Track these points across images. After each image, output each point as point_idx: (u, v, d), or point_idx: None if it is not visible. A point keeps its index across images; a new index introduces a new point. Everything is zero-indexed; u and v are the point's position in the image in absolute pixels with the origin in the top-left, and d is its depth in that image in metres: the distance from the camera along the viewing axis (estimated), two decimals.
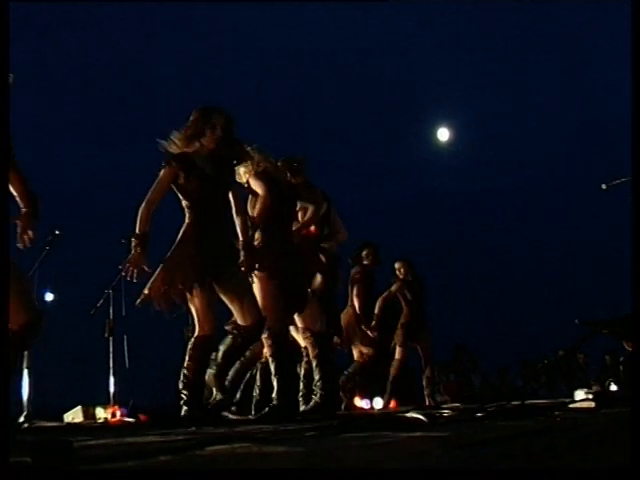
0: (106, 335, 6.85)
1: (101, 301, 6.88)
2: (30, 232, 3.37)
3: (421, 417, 2.84)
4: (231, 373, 4.81)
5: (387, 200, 15.95)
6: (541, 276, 15.53)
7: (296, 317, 4.92)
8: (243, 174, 4.72)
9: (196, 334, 4.13)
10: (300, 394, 4.98)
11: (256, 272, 4.52)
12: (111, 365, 6.81)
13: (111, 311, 6.90)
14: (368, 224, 10.53)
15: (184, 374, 4.08)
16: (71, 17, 15.17)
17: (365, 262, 7.03)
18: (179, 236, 4.10)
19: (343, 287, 6.45)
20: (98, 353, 6.96)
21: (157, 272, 4.00)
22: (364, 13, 16.60)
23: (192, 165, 4.10)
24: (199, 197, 4.10)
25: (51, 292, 8.31)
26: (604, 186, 5.25)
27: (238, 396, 5.13)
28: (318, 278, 5.34)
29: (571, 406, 3.99)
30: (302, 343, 5.02)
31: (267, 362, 4.72)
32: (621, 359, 8.98)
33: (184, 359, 4.13)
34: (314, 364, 4.89)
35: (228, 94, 15.35)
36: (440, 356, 10.55)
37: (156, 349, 8.46)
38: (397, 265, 7.48)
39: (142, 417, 6.35)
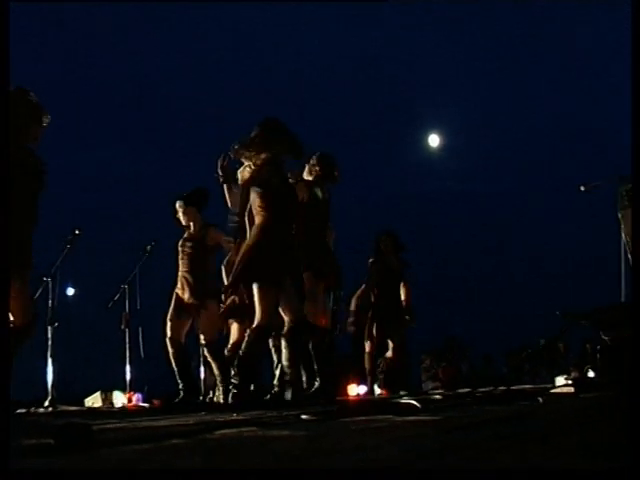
0: (122, 327, 6.86)
1: (118, 295, 6.89)
2: None
3: (414, 403, 2.84)
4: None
5: (387, 200, 15.63)
6: (529, 276, 15.28)
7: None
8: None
9: (258, 324, 4.09)
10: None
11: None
12: (127, 355, 6.81)
13: (127, 305, 6.91)
14: (368, 224, 10.44)
15: (242, 362, 4.04)
16: (69, 17, 14.71)
17: (381, 250, 6.91)
18: None
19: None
20: (115, 343, 6.96)
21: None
22: (364, 13, 16.18)
23: None
24: None
25: (72, 287, 8.28)
26: (583, 188, 5.21)
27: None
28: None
29: (552, 391, 3.98)
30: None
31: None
32: (598, 347, 8.95)
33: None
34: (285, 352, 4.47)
35: (228, 94, 15.26)
36: (433, 345, 10.61)
37: None
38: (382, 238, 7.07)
39: (156, 402, 6.36)
